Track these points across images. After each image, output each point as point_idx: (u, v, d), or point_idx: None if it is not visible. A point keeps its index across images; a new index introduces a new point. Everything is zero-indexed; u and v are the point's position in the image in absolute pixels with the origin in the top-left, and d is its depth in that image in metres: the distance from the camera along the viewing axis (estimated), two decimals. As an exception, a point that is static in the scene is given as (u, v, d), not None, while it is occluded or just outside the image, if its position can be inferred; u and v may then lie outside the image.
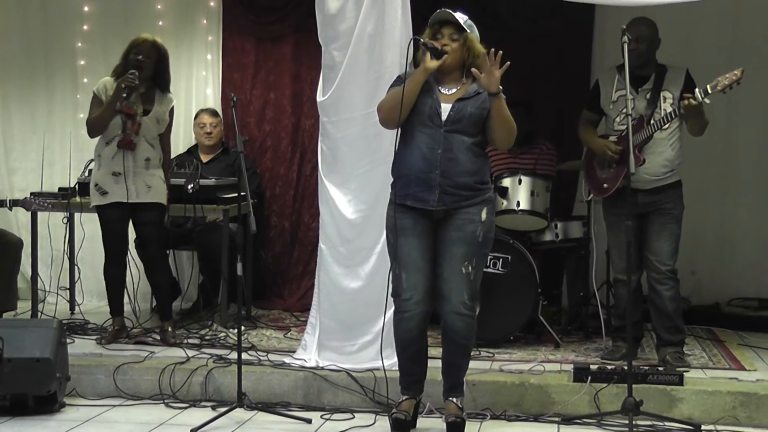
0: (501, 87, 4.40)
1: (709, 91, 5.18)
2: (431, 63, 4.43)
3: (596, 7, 7.00)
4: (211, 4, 7.54)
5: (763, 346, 6.12)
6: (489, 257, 5.83)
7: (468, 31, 4.54)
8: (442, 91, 4.54)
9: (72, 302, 7.10)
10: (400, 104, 4.41)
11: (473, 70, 4.42)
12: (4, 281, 6.31)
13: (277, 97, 7.57)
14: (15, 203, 6.19)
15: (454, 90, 4.54)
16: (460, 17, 4.53)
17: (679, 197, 5.61)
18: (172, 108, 6.16)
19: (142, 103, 5.95)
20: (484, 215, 4.48)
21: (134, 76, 5.74)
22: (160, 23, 7.47)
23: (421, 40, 4.46)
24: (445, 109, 4.47)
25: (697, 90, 5.24)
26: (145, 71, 5.91)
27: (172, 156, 6.40)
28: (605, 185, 5.66)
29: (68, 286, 7.10)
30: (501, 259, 5.98)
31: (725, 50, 6.79)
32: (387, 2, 5.43)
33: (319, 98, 5.71)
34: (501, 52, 4.37)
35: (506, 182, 6.19)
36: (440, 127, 4.44)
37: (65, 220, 6.60)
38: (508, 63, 4.40)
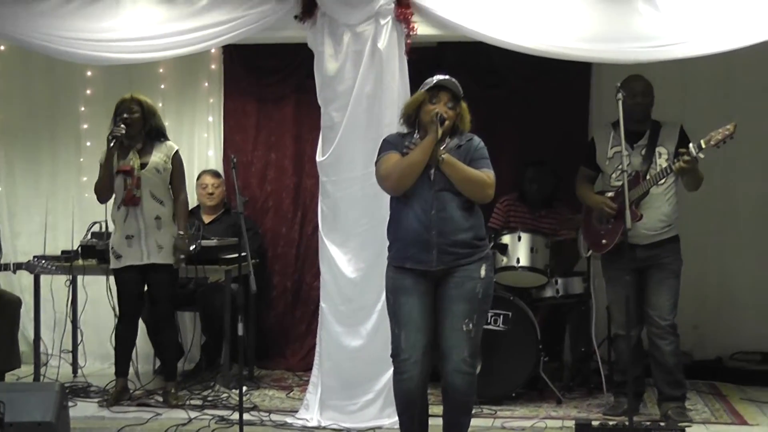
0: (442, 156, 4.42)
1: (703, 146, 5.26)
2: (440, 132, 4.48)
3: (593, 65, 7.09)
4: (213, 66, 7.64)
5: (765, 401, 6.13)
6: (490, 314, 5.87)
7: (462, 98, 4.61)
8: None
9: (74, 365, 7.12)
10: (413, 173, 4.45)
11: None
12: (4, 340, 6.32)
13: (278, 158, 7.64)
14: (18, 266, 6.23)
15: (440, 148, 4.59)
16: (456, 85, 4.59)
17: (677, 252, 5.66)
18: (176, 153, 6.18)
19: (138, 158, 6.02)
20: (483, 272, 4.50)
21: (120, 127, 5.85)
22: (162, 86, 7.56)
23: (439, 113, 4.47)
24: (432, 170, 4.51)
25: (691, 145, 5.32)
26: (134, 127, 6.01)
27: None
28: (604, 241, 5.71)
29: (71, 349, 7.12)
30: (502, 316, 6.01)
31: (719, 105, 6.85)
32: (384, 63, 5.54)
33: (318, 158, 5.78)
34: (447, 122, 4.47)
35: (506, 239, 6.24)
36: (430, 188, 4.47)
37: (68, 283, 6.64)
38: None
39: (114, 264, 6.05)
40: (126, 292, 6.10)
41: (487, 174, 4.50)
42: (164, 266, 6.04)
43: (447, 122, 4.51)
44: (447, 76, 4.59)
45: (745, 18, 5.25)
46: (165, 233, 6.02)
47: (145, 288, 6.23)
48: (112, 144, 5.88)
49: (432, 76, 4.64)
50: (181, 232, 6.08)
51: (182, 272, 6.31)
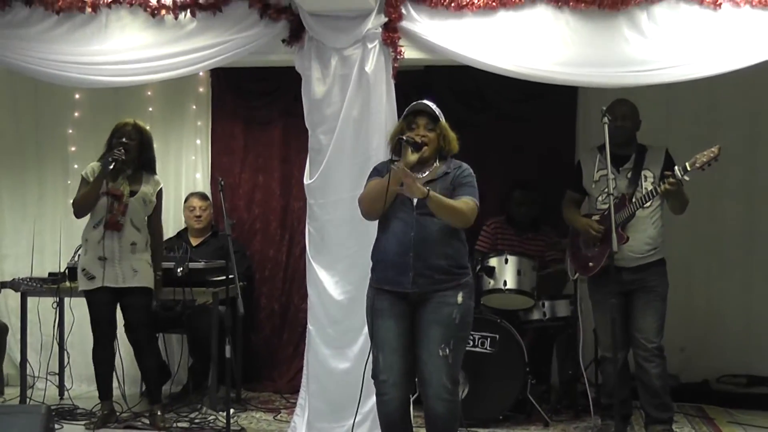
0: (427, 189, 4.42)
1: (688, 169, 5.30)
2: (413, 157, 4.55)
3: (579, 90, 7.17)
4: (200, 89, 7.68)
5: (752, 423, 6.17)
6: (477, 336, 5.91)
7: (441, 119, 4.67)
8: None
9: (61, 387, 7.10)
10: (381, 199, 4.51)
11: (397, 189, 4.45)
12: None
13: (266, 180, 7.67)
14: (3, 285, 6.24)
15: (426, 173, 4.64)
16: (433, 107, 4.67)
17: (664, 275, 5.69)
18: (161, 190, 6.26)
19: (128, 185, 6.05)
20: (459, 298, 4.52)
21: (120, 152, 5.88)
22: (150, 109, 7.59)
23: (404, 138, 4.57)
24: None
25: (676, 168, 5.35)
26: (131, 153, 6.04)
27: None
28: (590, 264, 5.74)
29: (57, 372, 7.10)
30: (489, 339, 6.03)
31: (704, 129, 6.91)
32: (372, 87, 5.57)
33: (306, 181, 5.80)
34: (403, 167, 4.42)
35: (493, 261, 6.28)
36: (413, 211, 4.52)
37: (55, 305, 6.64)
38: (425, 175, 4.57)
39: (85, 285, 6.02)
40: (99, 316, 6.07)
41: (465, 201, 4.52)
42: (140, 290, 6.04)
43: (426, 147, 4.57)
44: (423, 101, 4.67)
45: (730, 44, 5.29)
46: (139, 259, 6.05)
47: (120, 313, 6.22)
48: (111, 166, 5.89)
49: (419, 99, 4.71)
50: (159, 273, 6.15)
51: (169, 294, 6.32)
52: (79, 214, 6.09)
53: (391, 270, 4.52)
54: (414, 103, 4.69)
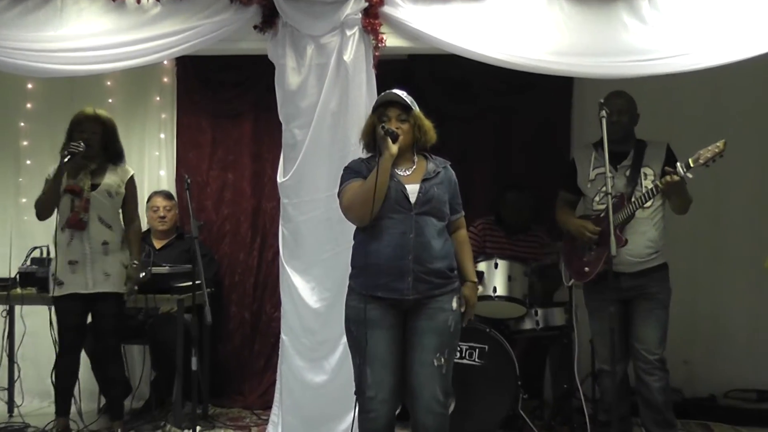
0: (476, 280, 4.87)
1: (691, 165, 5.33)
2: (394, 148, 4.59)
3: (575, 81, 7.22)
4: (165, 79, 7.70)
5: (761, 442, 6.20)
6: (464, 347, 5.93)
7: (414, 108, 4.73)
8: (399, 173, 4.68)
9: (11, 403, 7.10)
10: (372, 199, 4.52)
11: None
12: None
13: (235, 178, 7.69)
14: None
15: (411, 170, 4.71)
16: (404, 95, 4.72)
17: (666, 280, 5.72)
18: (132, 178, 6.23)
19: (90, 179, 6.05)
20: (454, 304, 4.61)
21: (78, 144, 5.86)
22: (110, 100, 7.60)
23: (385, 126, 4.62)
24: (413, 191, 4.61)
25: (678, 164, 5.38)
26: (93, 147, 6.03)
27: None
28: (586, 269, 5.78)
29: (6, 386, 7.09)
30: (477, 350, 6.05)
31: (707, 123, 6.94)
32: (350, 78, 5.60)
33: (279, 179, 5.83)
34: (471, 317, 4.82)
35: (481, 266, 6.26)
36: (410, 210, 4.57)
37: (5, 314, 6.62)
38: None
39: (55, 291, 6.01)
40: (67, 323, 6.06)
41: (465, 226, 4.91)
42: (111, 295, 6.03)
43: (401, 137, 4.62)
44: (392, 90, 4.73)
45: (738, 31, 5.33)
46: (112, 260, 6.04)
47: (89, 320, 6.22)
48: (66, 159, 5.86)
49: (401, 90, 4.75)
50: (135, 262, 6.11)
51: (131, 302, 6.29)
52: (40, 215, 6.06)
53: (386, 275, 4.55)
54: (382, 94, 4.75)
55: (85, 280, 5.96)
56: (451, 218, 4.74)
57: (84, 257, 5.95)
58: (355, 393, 4.63)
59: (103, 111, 6.26)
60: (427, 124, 4.74)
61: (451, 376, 4.65)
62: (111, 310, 6.07)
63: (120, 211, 6.16)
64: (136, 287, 6.08)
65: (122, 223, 6.18)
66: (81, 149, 5.89)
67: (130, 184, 6.23)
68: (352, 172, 4.75)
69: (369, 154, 4.76)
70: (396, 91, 4.74)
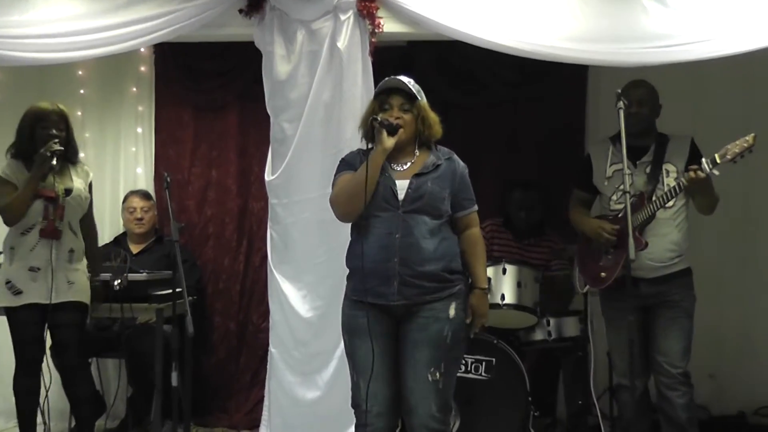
0: (485, 287, 4.77)
1: (718, 161, 5.27)
2: (389, 142, 4.54)
3: (590, 69, 7.18)
4: (142, 68, 7.65)
5: (797, 463, 6.17)
6: (470, 360, 5.89)
7: (419, 98, 4.67)
8: (394, 167, 4.63)
9: (-27, 424, 7.06)
10: (361, 193, 4.48)
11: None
12: None
13: (220, 176, 7.66)
14: None
15: (408, 165, 4.65)
16: (409, 83, 4.66)
17: (689, 287, 5.68)
18: (91, 182, 6.16)
19: (60, 182, 5.96)
20: (452, 311, 4.53)
21: (57, 142, 5.79)
22: (82, 92, 7.56)
23: (378, 118, 4.55)
24: (402, 187, 4.55)
25: (703, 160, 5.34)
26: (62, 146, 5.95)
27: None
28: (602, 274, 5.73)
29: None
30: (484, 363, 6.02)
31: (735, 116, 6.89)
32: (345, 65, 5.57)
33: (267, 177, 5.80)
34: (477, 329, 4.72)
35: (489, 271, 6.21)
36: (397, 209, 4.52)
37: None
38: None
39: (9, 301, 5.89)
40: (26, 336, 5.93)
41: (478, 224, 4.78)
42: (73, 305, 5.94)
43: (402, 129, 4.57)
44: (397, 77, 4.67)
45: (765, 16, 5.30)
46: (76, 268, 5.96)
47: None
48: (54, 161, 5.78)
49: (408, 78, 4.70)
50: (98, 280, 6.06)
51: (105, 312, 6.25)
52: (11, 220, 5.92)
53: (372, 279, 4.50)
54: (386, 79, 4.69)
55: (46, 289, 5.86)
56: (457, 215, 4.68)
57: (47, 265, 5.85)
58: (351, 406, 4.63)
59: (60, 104, 6.16)
60: (433, 117, 4.69)
61: (453, 390, 4.61)
62: (73, 320, 5.95)
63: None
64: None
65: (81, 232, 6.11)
66: (61, 149, 5.82)
67: (91, 187, 6.16)
68: (345, 164, 4.73)
69: (370, 146, 4.69)
70: (401, 77, 4.68)
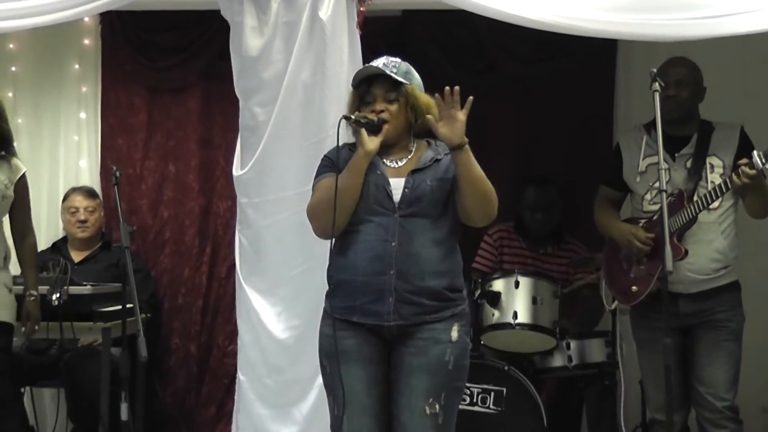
0: (466, 138, 4.43)
1: (773, 154, 5.31)
2: (372, 143, 4.49)
3: (619, 45, 7.21)
4: (86, 42, 7.66)
5: None
6: (477, 390, 5.93)
7: (406, 82, 4.61)
8: (387, 164, 4.61)
9: None
10: (343, 206, 4.44)
11: (428, 117, 4.44)
12: None
13: (179, 171, 7.69)
14: None
15: (404, 161, 4.62)
16: (393, 66, 4.60)
17: (737, 304, 5.69)
18: (23, 176, 6.10)
19: None
20: (455, 334, 4.51)
21: None
22: (13, 68, 7.59)
23: (352, 117, 4.51)
24: (397, 186, 4.52)
25: (755, 153, 5.32)
26: None
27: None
28: (634, 288, 5.73)
29: None
30: (493, 394, 6.05)
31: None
32: (328, 40, 5.57)
33: (235, 171, 5.81)
34: (458, 87, 4.39)
35: (498, 285, 6.26)
36: (393, 212, 4.49)
37: None
38: (471, 98, 4.44)
39: None
40: None
41: None
42: None
43: (387, 124, 4.54)
44: (375, 62, 4.64)
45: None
46: None
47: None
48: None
49: (392, 58, 4.69)
50: (34, 292, 5.99)
51: (42, 332, 6.20)
52: None
53: (363, 295, 4.48)
54: (363, 67, 4.68)
55: None
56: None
57: None
58: None
59: None
60: (425, 101, 4.60)
61: (454, 425, 4.59)
62: None
63: (1, 220, 6.07)
64: (37, 327, 5.97)
65: (4, 235, 6.08)
66: None
67: (21, 185, 6.08)
68: (327, 165, 4.67)
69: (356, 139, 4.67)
70: (381, 60, 4.63)
